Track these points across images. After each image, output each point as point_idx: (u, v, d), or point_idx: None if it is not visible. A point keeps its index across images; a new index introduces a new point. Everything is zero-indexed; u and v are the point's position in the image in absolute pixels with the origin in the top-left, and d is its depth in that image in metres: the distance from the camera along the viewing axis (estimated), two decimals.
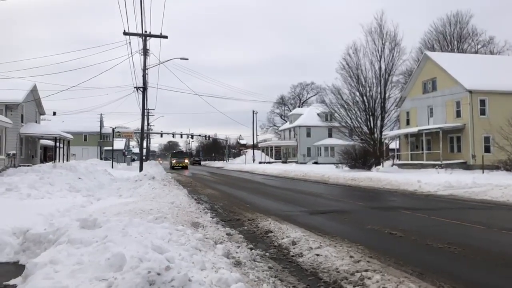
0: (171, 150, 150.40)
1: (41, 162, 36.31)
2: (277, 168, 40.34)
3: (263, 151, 73.67)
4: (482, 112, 30.20)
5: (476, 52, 50.61)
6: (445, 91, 32.61)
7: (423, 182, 18.08)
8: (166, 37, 26.64)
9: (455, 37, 53.72)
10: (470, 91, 29.97)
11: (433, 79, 34.60)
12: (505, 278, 5.39)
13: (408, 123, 37.91)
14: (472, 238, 7.98)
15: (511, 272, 5.60)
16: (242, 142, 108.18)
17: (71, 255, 4.74)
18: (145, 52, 26.59)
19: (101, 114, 70.30)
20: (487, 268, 5.84)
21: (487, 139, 29.59)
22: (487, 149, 29.16)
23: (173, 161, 57.30)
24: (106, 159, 60.24)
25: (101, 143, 62.21)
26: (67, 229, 5.82)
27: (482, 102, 30.34)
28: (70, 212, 9.55)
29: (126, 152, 74.01)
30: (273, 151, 71.76)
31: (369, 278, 5.08)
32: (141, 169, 27.84)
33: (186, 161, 58.66)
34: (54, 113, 57.60)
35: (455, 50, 51.61)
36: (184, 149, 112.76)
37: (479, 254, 6.52)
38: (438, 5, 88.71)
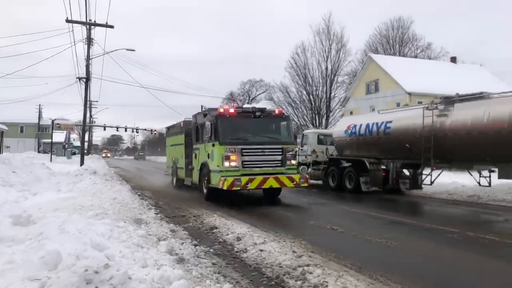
0: (113, 144, 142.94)
1: None
2: None
3: None
4: None
5: (415, 57, 53.23)
6: (387, 92, 34.12)
7: None
8: (112, 26, 25.62)
9: (397, 41, 56.12)
10: (410, 93, 31.62)
11: (376, 81, 36.07)
12: (435, 270, 5.73)
13: None
14: (407, 233, 8.43)
15: (442, 265, 5.97)
16: None
17: (1, 253, 4.45)
18: (89, 41, 25.46)
19: (39, 105, 66.66)
20: (420, 261, 6.18)
21: None
22: None
23: (229, 153, 11.64)
24: (44, 152, 57.14)
25: (39, 135, 59.14)
26: None
27: (420, 104, 32.01)
28: (2, 208, 8.96)
29: (66, 145, 70.68)
30: None
31: (310, 273, 5.21)
32: (82, 163, 26.68)
33: (294, 161, 12.85)
34: None
35: (397, 53, 53.94)
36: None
37: (413, 248, 6.91)
38: (383, 10, 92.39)
